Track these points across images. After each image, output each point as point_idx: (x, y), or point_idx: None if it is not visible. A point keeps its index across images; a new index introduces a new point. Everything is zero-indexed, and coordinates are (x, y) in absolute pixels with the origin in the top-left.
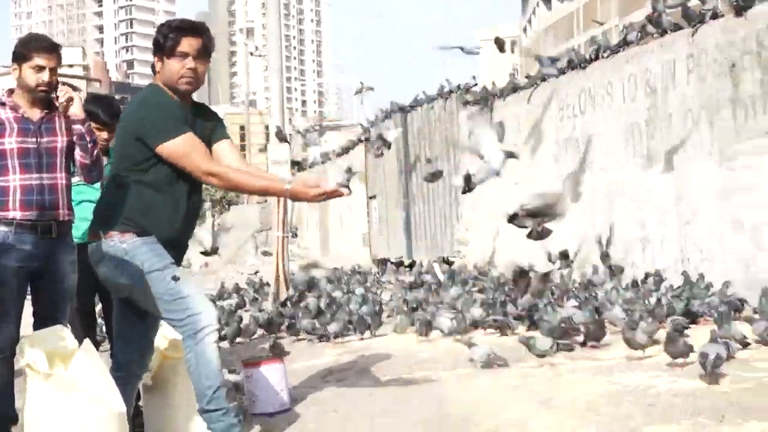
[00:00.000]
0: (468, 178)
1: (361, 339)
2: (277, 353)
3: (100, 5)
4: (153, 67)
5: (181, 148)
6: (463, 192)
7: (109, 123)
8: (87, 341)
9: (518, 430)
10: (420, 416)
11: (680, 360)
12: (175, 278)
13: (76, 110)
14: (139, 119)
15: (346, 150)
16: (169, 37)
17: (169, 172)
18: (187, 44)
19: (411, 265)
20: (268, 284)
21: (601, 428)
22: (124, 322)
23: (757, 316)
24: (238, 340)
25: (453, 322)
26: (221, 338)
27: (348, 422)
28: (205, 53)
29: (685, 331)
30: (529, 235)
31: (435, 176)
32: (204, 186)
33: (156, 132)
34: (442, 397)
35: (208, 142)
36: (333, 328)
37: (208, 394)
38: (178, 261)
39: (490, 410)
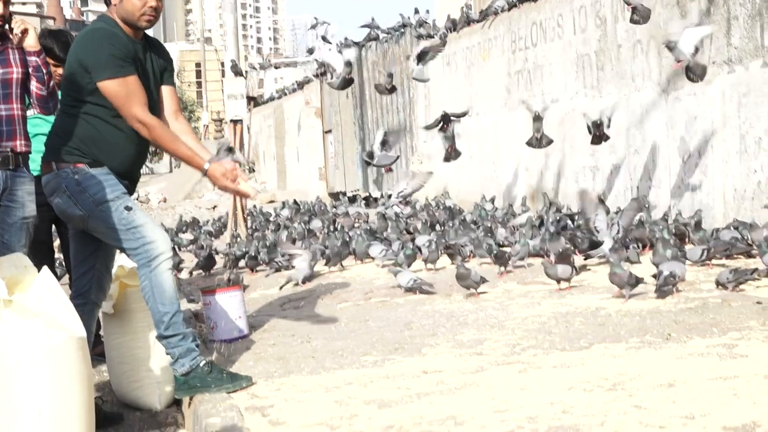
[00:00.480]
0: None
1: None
2: (235, 281)
3: None
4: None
5: (120, 89)
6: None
7: (63, 58)
8: (46, 268)
9: (473, 349)
10: (376, 338)
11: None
12: (128, 208)
13: (31, 42)
14: (88, 49)
15: (301, 85)
16: None
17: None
18: None
19: (367, 198)
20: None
21: (553, 346)
22: (80, 252)
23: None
24: (197, 272)
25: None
26: (177, 268)
27: (306, 345)
28: None
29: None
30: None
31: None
32: None
33: (101, 67)
34: (398, 320)
35: (159, 80)
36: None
37: (166, 320)
38: (130, 192)
39: (447, 331)
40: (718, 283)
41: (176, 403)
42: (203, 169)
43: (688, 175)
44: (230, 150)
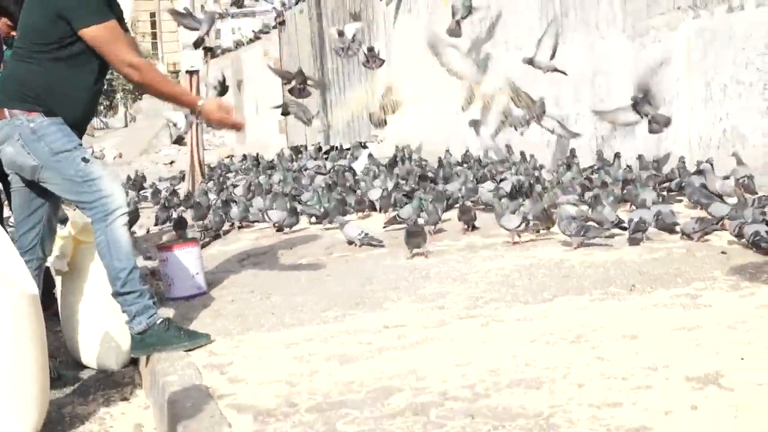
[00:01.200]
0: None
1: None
2: (191, 237)
3: None
4: None
5: (107, 34)
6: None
7: (13, 11)
8: None
9: (435, 303)
10: (337, 292)
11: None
12: (85, 159)
13: None
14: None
15: (259, 36)
16: None
17: (81, 53)
18: None
19: (327, 152)
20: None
21: (516, 299)
22: (25, 207)
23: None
24: (154, 228)
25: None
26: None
27: (266, 301)
28: None
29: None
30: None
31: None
32: (116, 74)
33: (84, 13)
34: (360, 274)
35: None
36: (275, 216)
37: (122, 277)
38: None
39: (408, 285)
40: (683, 233)
41: (133, 362)
42: (198, 105)
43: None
44: (221, 83)
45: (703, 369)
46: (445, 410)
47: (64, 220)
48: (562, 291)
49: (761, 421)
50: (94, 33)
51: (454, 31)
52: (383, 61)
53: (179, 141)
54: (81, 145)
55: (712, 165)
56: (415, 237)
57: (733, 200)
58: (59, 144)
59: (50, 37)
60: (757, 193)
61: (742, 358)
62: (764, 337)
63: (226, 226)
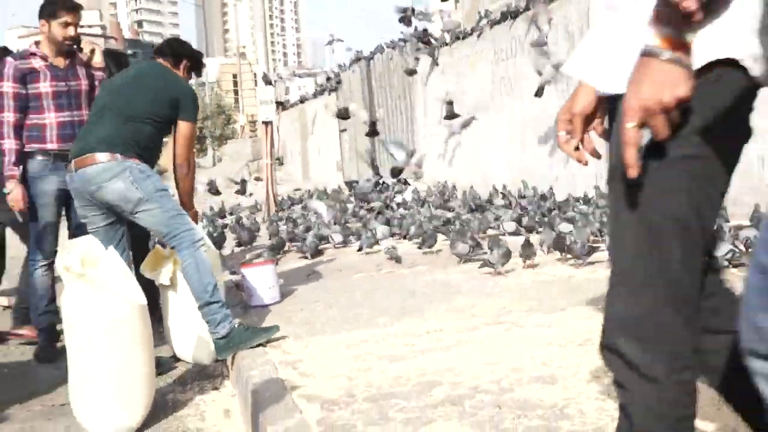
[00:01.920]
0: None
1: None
2: (269, 257)
3: None
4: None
5: (191, 132)
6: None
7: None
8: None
9: (467, 312)
10: (386, 304)
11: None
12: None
13: (97, 59)
14: (185, 95)
15: (321, 92)
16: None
17: (168, 127)
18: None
19: (376, 185)
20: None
21: (534, 309)
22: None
23: None
24: (238, 249)
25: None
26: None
27: (329, 310)
28: None
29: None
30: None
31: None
32: (205, 123)
33: (191, 112)
34: (404, 288)
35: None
36: (337, 238)
37: (209, 290)
38: None
39: (444, 297)
40: None
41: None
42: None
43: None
44: None
45: None
46: (476, 401)
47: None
48: (572, 303)
49: None
50: (187, 127)
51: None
52: (458, 114)
53: (258, 179)
54: None
55: None
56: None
57: None
58: (160, 185)
59: (160, 114)
60: None
61: None
62: None
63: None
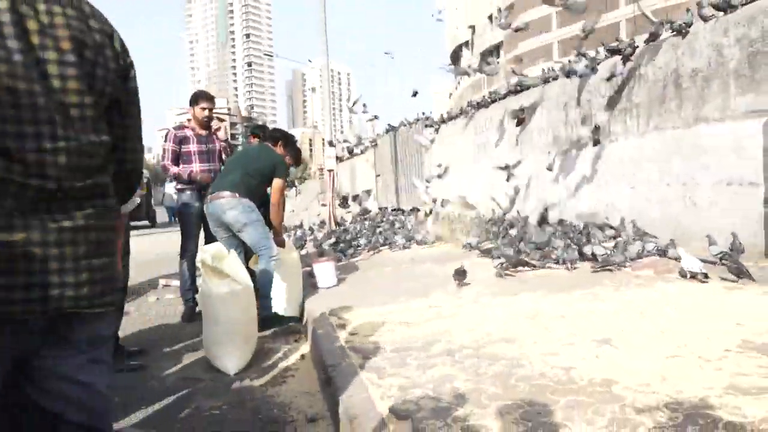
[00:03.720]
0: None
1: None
2: (329, 255)
3: (234, 74)
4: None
5: (281, 185)
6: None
7: (262, 139)
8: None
9: (458, 294)
10: (404, 287)
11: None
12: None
13: (222, 134)
14: (278, 164)
15: (363, 151)
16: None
17: (267, 182)
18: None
19: (395, 209)
20: (324, 222)
21: (498, 293)
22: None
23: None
24: (312, 251)
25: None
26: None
27: (367, 290)
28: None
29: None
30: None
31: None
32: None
33: (281, 172)
34: (431, 273)
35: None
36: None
37: (269, 288)
38: None
39: (441, 284)
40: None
41: (299, 319)
42: (279, 237)
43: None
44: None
45: (602, 335)
46: (463, 354)
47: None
48: (525, 290)
49: (636, 364)
50: (278, 182)
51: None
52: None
53: (324, 205)
54: None
55: None
56: (460, 275)
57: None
58: (258, 216)
59: (264, 176)
60: None
61: (622, 330)
62: (634, 318)
63: (351, 251)
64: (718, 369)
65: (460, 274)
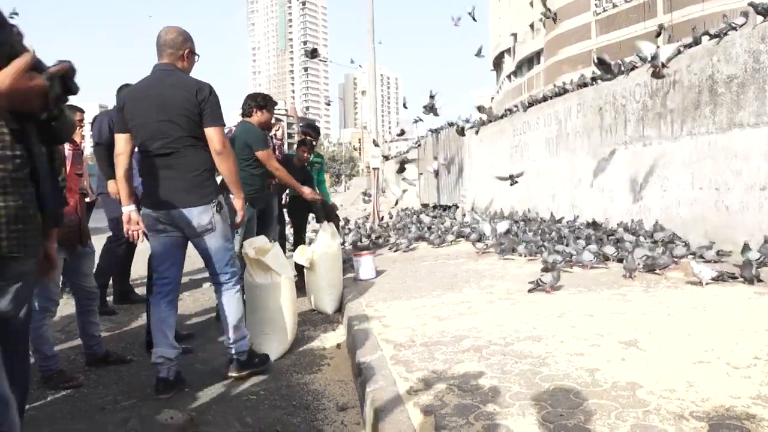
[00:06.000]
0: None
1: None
2: (370, 249)
3: (293, 78)
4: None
5: (265, 154)
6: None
7: (315, 137)
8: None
9: (488, 290)
10: (438, 281)
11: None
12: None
13: (279, 133)
14: (252, 135)
15: (408, 151)
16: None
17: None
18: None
19: (435, 207)
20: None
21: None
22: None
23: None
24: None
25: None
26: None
27: (403, 284)
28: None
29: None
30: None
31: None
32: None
33: (259, 144)
34: (449, 270)
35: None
36: (404, 242)
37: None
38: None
39: (495, 271)
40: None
41: (338, 310)
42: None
43: (601, 202)
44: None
45: (628, 336)
46: (490, 350)
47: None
48: (555, 288)
49: (662, 369)
50: (260, 155)
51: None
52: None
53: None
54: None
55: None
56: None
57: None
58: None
59: (243, 159)
60: None
61: (649, 332)
62: (662, 320)
63: (390, 245)
64: (746, 377)
65: (541, 282)
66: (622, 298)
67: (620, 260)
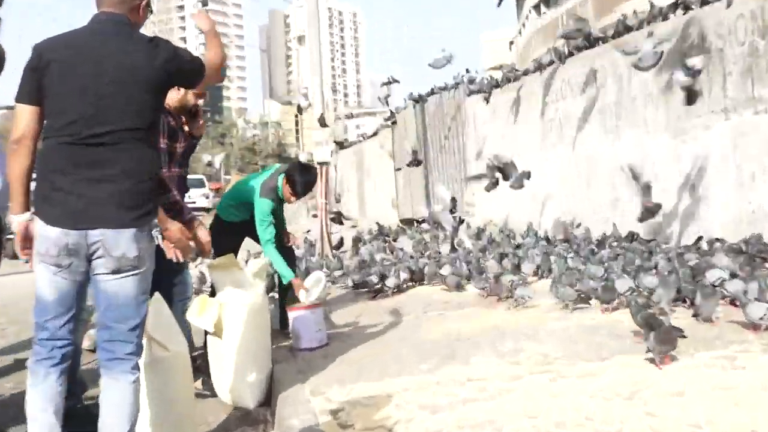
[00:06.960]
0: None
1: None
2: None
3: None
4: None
5: None
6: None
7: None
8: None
9: (512, 357)
10: (431, 347)
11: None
12: None
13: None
14: None
15: (376, 132)
16: None
17: None
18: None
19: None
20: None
21: (579, 357)
22: None
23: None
24: None
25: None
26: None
27: (374, 352)
28: None
29: None
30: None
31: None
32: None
33: None
34: (447, 328)
35: None
36: (390, 282)
37: None
38: None
39: (488, 339)
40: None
41: (267, 403)
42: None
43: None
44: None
45: (741, 428)
46: None
47: None
48: (620, 350)
49: None
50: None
51: None
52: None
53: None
54: None
55: None
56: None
57: None
58: None
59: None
60: None
61: None
62: None
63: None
64: None
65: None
66: (729, 364)
67: (733, 303)
